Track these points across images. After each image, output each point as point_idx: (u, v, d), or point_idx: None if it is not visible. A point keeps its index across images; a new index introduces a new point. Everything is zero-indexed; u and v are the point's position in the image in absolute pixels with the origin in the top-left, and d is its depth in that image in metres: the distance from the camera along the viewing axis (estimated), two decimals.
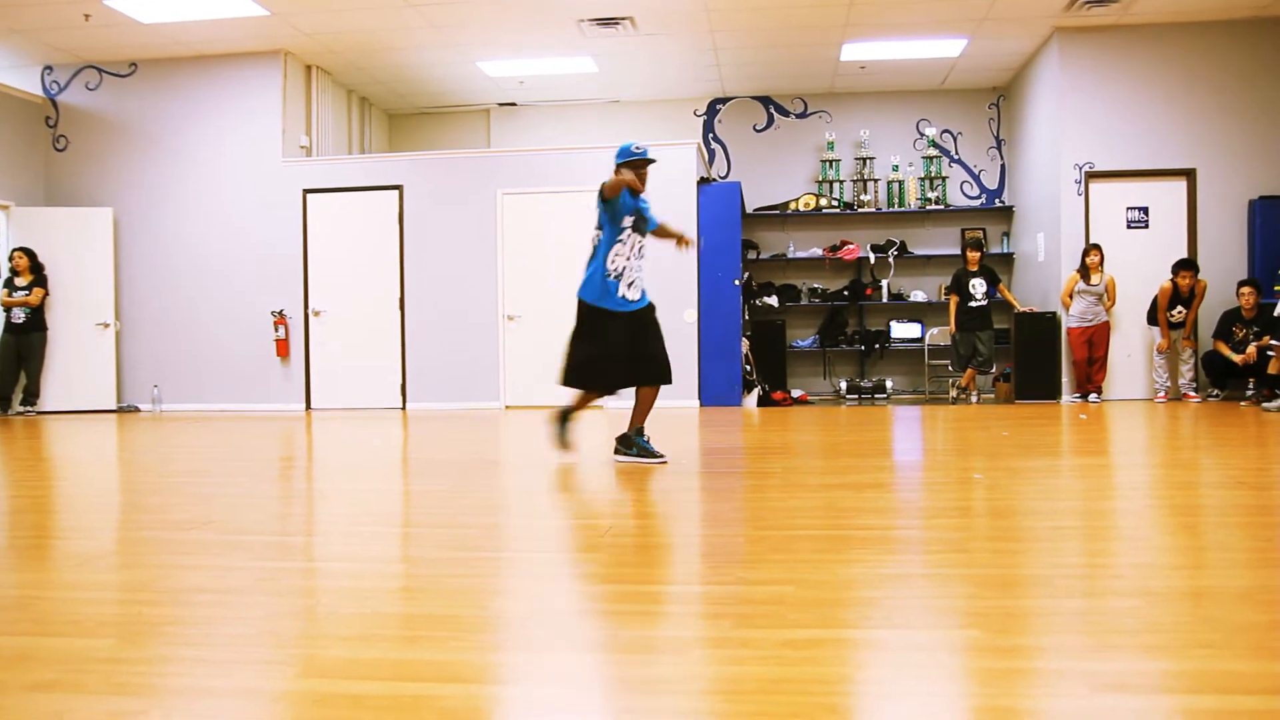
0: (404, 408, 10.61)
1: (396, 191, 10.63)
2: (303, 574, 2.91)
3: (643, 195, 5.37)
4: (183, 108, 10.80)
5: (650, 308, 5.38)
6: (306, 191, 10.68)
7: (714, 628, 2.27)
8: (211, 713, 1.79)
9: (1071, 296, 9.91)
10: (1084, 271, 9.81)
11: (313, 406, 10.68)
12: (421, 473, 5.45)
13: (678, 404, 10.18)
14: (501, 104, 12.48)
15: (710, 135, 12.26)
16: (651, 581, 2.71)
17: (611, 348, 5.22)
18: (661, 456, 5.28)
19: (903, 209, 11.78)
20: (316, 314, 10.67)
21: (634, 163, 5.33)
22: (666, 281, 10.24)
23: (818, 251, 11.92)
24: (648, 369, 5.25)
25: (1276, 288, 9.30)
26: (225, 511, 3.95)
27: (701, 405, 10.23)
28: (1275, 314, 8.92)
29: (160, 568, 2.94)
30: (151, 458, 6.25)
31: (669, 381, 5.32)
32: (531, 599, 2.56)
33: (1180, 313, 9.64)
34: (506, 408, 10.45)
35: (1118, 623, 2.23)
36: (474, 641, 2.18)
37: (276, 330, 10.62)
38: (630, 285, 5.32)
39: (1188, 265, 9.57)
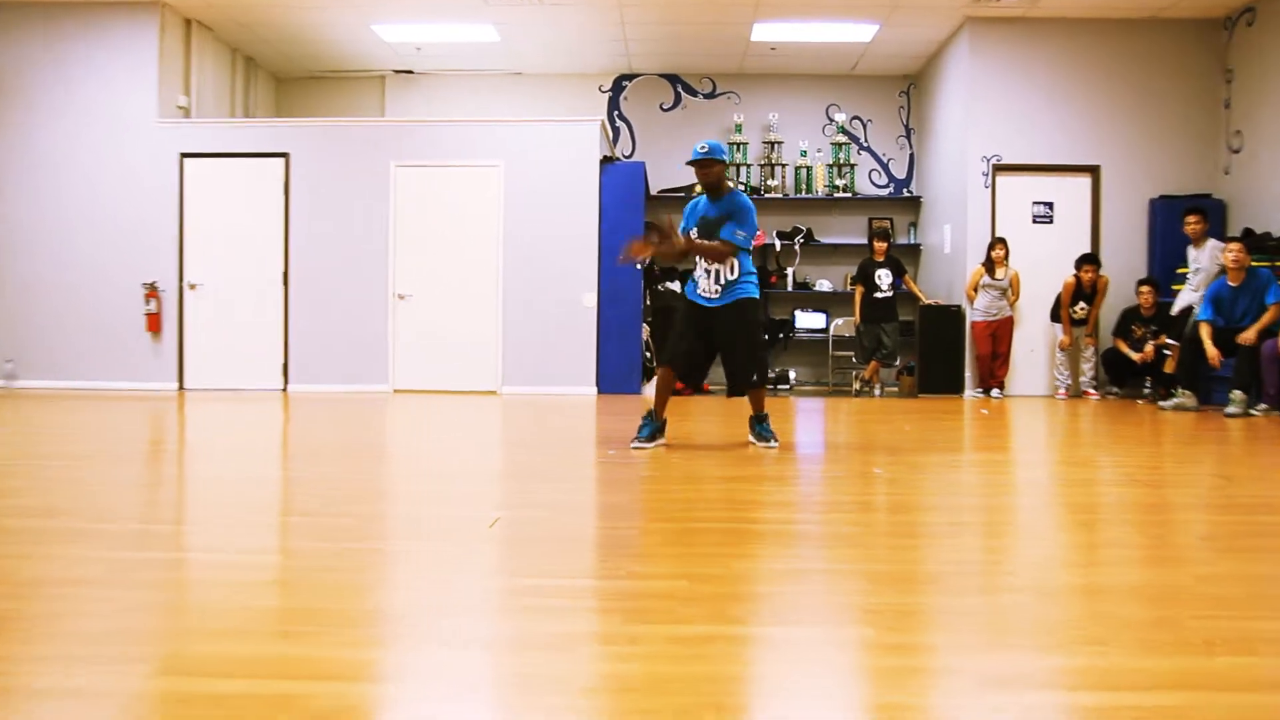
0: (286, 389, 10.37)
1: (282, 160, 10.35)
2: (166, 565, 2.81)
3: (704, 205, 5.58)
4: (48, 58, 10.34)
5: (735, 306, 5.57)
6: (184, 156, 10.33)
7: (602, 623, 2.27)
8: (54, 715, 1.71)
9: (976, 290, 10.17)
10: (989, 265, 10.08)
11: (186, 386, 10.36)
12: (301, 458, 5.34)
13: (573, 390, 10.17)
14: (398, 71, 12.26)
15: (615, 113, 12.25)
16: (538, 575, 2.70)
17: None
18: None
19: (810, 195, 11.93)
20: (192, 287, 10.35)
21: (691, 163, 5.52)
22: (566, 264, 10.24)
23: None
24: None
25: (1174, 287, 9.70)
26: (81, 498, 3.80)
27: (600, 392, 10.23)
28: (1172, 313, 9.31)
29: (2, 558, 2.82)
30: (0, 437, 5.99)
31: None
32: (411, 593, 2.53)
33: (1083, 308, 9.98)
34: (395, 391, 10.30)
35: (1010, 620, 2.29)
36: (349, 637, 2.13)
37: (148, 303, 10.26)
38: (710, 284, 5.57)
39: (1091, 260, 9.91)
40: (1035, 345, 10.53)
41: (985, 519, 3.67)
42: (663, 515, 3.62)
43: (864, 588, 2.57)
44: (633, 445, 5.54)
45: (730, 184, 5.66)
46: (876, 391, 10.66)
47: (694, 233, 5.53)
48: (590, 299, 10.28)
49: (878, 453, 5.56)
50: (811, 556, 2.97)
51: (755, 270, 5.62)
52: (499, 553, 3.02)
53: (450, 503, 3.86)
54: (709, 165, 5.43)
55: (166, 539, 3.22)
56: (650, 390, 10.29)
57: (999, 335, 10.18)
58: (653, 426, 5.63)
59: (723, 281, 5.49)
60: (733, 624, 2.26)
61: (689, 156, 5.67)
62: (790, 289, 11.89)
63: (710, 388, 11.13)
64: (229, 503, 3.85)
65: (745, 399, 5.88)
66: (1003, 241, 10.04)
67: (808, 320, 11.91)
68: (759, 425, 5.72)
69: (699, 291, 5.57)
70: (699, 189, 5.46)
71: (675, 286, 11.76)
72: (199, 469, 4.94)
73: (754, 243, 5.56)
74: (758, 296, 5.58)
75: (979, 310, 10.19)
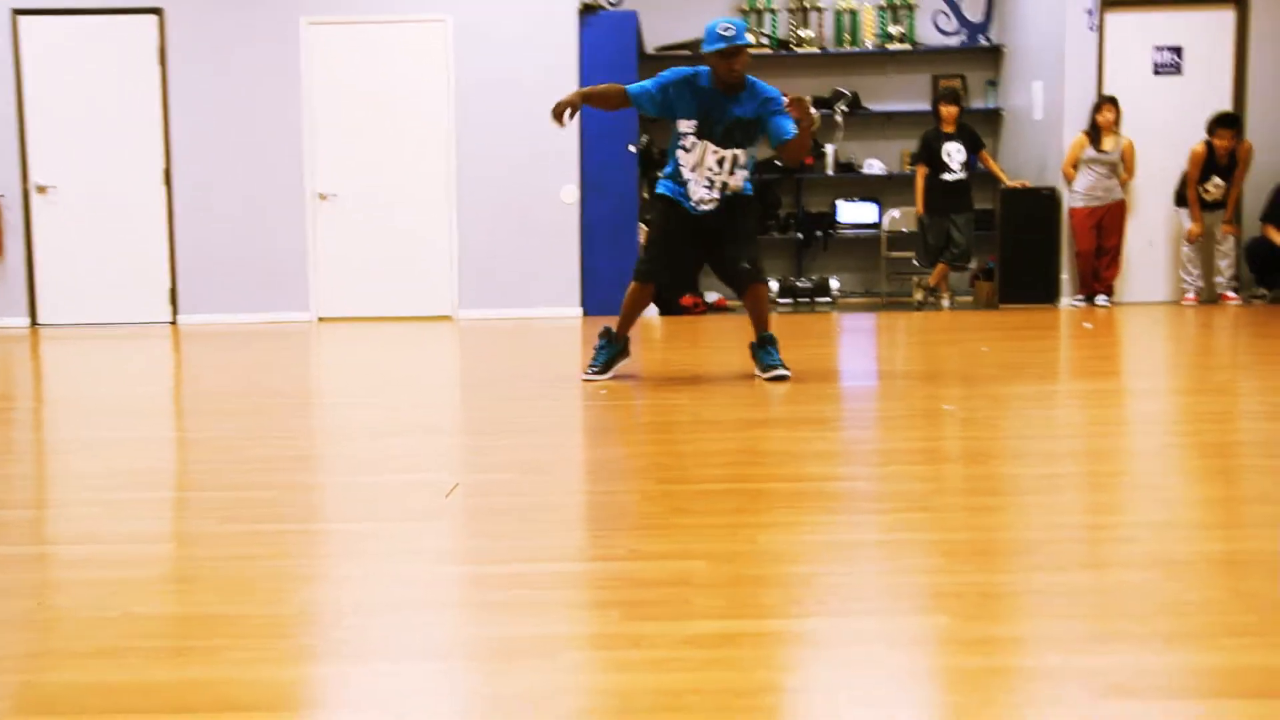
0: (175, 322, 10.34)
1: (154, 17, 10.20)
2: (19, 564, 2.81)
3: (718, 99, 5.57)
4: None
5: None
6: (17, 13, 10.17)
7: (596, 621, 2.27)
8: None
9: (1077, 167, 10.09)
10: (1094, 134, 9.99)
11: (40, 321, 10.33)
12: (197, 414, 5.33)
13: (552, 312, 10.14)
14: None
15: None
16: (511, 559, 2.69)
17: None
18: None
19: (856, 50, 11.78)
20: (42, 191, 10.26)
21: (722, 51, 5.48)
22: (537, 148, 10.13)
23: None
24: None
25: None
26: None
27: (586, 314, 10.20)
28: None
29: None
30: None
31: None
32: (349, 589, 2.52)
33: (1218, 186, 9.90)
34: (319, 320, 10.27)
35: (1127, 603, 2.29)
36: (265, 652, 2.13)
37: None
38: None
39: (1229, 122, 9.80)
40: (1155, 237, 10.48)
41: (1092, 470, 3.67)
42: (669, 473, 3.62)
43: (935, 564, 2.57)
44: (584, 375, 5.76)
45: None
46: (945, 303, 10.64)
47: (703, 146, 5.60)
48: (571, 193, 10.20)
49: (947, 384, 5.55)
50: (864, 524, 2.97)
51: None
52: (459, 531, 3.01)
53: (394, 467, 3.85)
54: (740, 54, 5.46)
55: (20, 528, 3.21)
56: (650, 310, 10.26)
57: (1106, 225, 10.12)
58: (612, 350, 5.81)
59: (725, 193, 5.62)
60: (764, 617, 2.26)
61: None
62: (831, 173, 11.78)
63: (727, 303, 11.10)
64: (103, 477, 3.84)
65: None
66: (1112, 102, 9.94)
67: (854, 213, 11.83)
68: (763, 350, 5.76)
69: (691, 200, 5.66)
70: (714, 78, 5.40)
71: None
72: (62, 433, 4.93)
73: None
74: (752, 193, 5.77)
75: (1080, 193, 10.12)
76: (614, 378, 5.70)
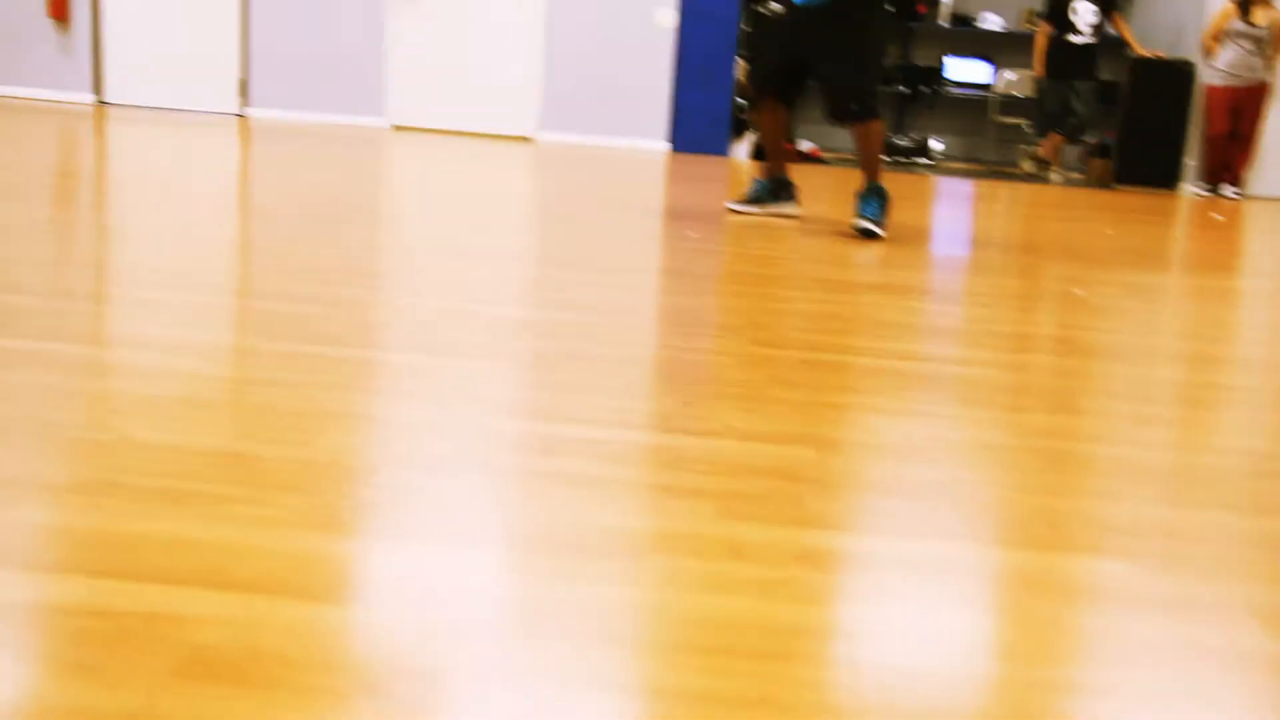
0: (243, 114, 10.06)
1: None
2: (22, 360, 2.43)
3: None
4: None
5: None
6: None
7: (684, 516, 1.84)
8: None
9: (1219, 41, 9.43)
10: (1244, 4, 9.30)
11: (106, 99, 10.05)
12: (259, 215, 4.97)
13: (636, 144, 9.78)
14: None
15: None
16: (584, 419, 2.28)
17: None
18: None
19: None
20: None
21: None
22: None
23: None
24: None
25: None
26: None
27: (674, 149, 9.82)
28: None
29: None
30: None
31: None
32: (387, 436, 2.11)
33: None
34: (394, 128, 9.96)
35: None
36: (278, 509, 1.73)
37: None
38: None
39: None
40: None
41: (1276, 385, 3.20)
42: (766, 335, 3.19)
43: (1099, 486, 2.12)
44: (729, 204, 5.59)
45: None
46: (1054, 177, 10.11)
47: None
48: (667, 17, 9.75)
49: (1072, 264, 5.08)
50: (1002, 423, 2.51)
51: None
52: (522, 377, 2.60)
53: (458, 294, 3.46)
54: None
55: (31, 320, 2.84)
56: (742, 153, 9.84)
57: (1243, 109, 9.47)
58: (761, 187, 5.58)
59: None
60: (893, 533, 1.82)
61: None
62: (943, 24, 11.22)
63: (822, 154, 10.60)
64: (142, 271, 3.49)
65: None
66: None
67: (964, 70, 11.28)
68: (865, 199, 5.32)
69: None
70: None
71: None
72: (113, 219, 4.58)
73: None
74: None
75: (1220, 70, 9.44)
76: (682, 219, 5.28)
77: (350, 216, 4.98)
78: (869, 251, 4.92)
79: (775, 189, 5.60)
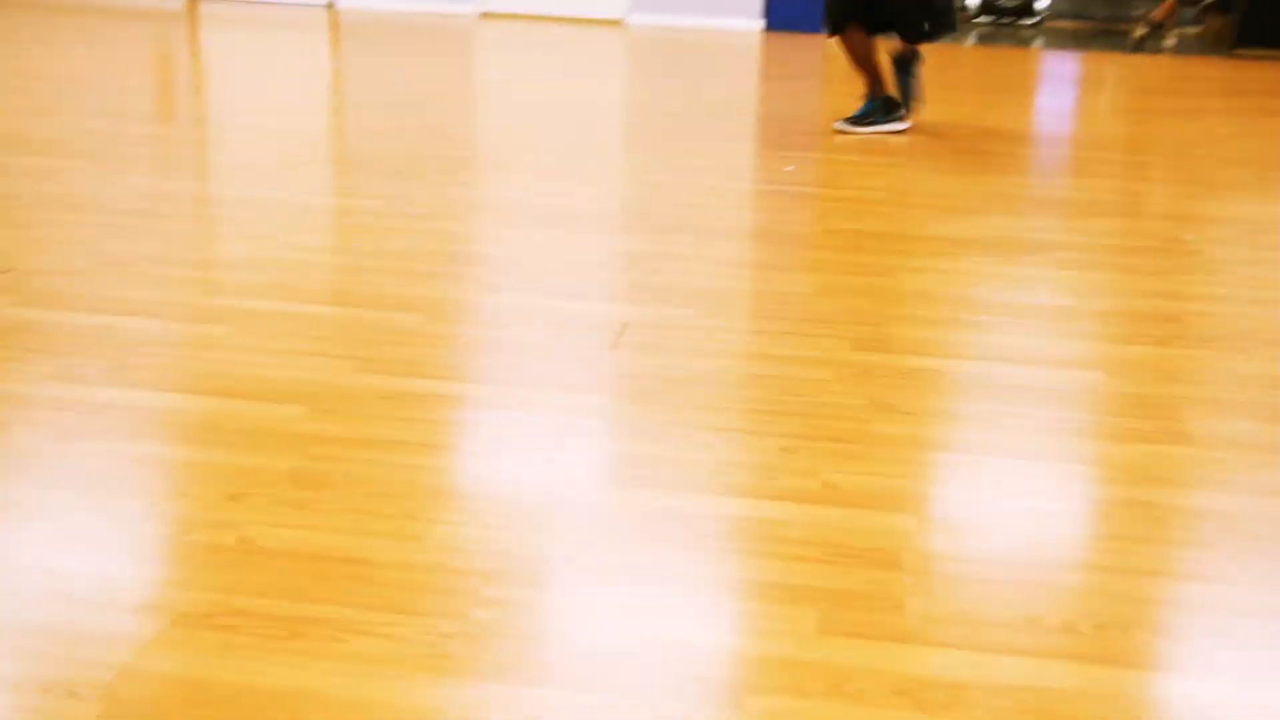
0: (332, 4, 9.96)
1: None
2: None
3: None
4: None
5: None
6: None
7: (783, 631, 1.81)
8: None
9: None
10: None
11: None
12: (341, 167, 4.93)
13: (729, 24, 9.50)
14: None
15: None
16: (658, 479, 2.24)
17: None
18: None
19: None
20: None
21: None
22: None
23: None
24: None
25: None
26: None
27: (768, 29, 9.51)
28: None
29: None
30: None
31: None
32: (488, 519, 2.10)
33: None
34: (483, 16, 9.78)
35: None
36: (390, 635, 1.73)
37: None
38: None
39: None
40: None
41: None
42: (867, 331, 3.07)
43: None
44: (836, 124, 5.54)
45: None
46: (1169, 42, 9.59)
47: None
48: None
49: (1177, 192, 4.81)
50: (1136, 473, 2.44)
51: None
52: (610, 428, 2.55)
53: (549, 287, 3.40)
54: None
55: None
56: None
57: None
58: (870, 105, 5.51)
59: None
60: (1010, 654, 1.78)
61: None
62: None
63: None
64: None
65: None
66: None
67: None
68: (902, 67, 5.54)
69: None
70: None
71: None
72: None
73: None
74: None
75: None
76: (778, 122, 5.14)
77: (439, 165, 4.90)
78: (964, 183, 4.75)
79: (886, 106, 5.47)
